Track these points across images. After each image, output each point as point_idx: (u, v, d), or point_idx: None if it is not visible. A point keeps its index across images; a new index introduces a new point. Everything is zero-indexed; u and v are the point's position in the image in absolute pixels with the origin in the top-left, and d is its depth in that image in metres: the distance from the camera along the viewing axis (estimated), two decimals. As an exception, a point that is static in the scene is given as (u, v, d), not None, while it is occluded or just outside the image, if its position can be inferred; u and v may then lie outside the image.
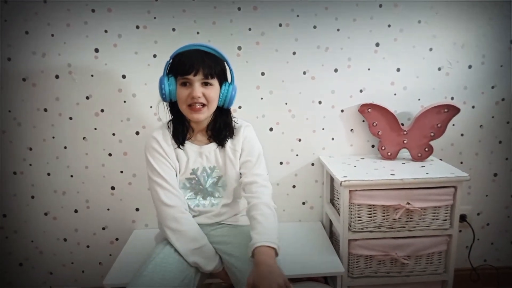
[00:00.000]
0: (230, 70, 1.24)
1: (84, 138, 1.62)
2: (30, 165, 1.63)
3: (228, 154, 1.28)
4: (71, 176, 1.65)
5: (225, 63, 1.23)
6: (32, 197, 1.66)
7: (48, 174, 1.64)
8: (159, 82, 1.19)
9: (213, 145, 1.29)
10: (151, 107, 1.59)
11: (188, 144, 1.28)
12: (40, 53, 1.53)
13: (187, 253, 1.19)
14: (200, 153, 1.28)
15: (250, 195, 1.24)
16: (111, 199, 1.68)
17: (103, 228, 1.72)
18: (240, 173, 1.30)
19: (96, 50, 1.54)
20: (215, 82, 1.19)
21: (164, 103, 1.25)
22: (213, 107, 1.21)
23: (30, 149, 1.61)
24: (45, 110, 1.58)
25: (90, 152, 1.63)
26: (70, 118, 1.60)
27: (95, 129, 1.61)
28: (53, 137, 1.61)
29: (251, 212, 1.20)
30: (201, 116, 1.20)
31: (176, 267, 1.16)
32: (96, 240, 1.72)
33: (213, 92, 1.19)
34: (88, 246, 1.73)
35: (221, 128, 1.27)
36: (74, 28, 1.51)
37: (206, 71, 1.16)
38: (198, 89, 1.16)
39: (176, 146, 1.25)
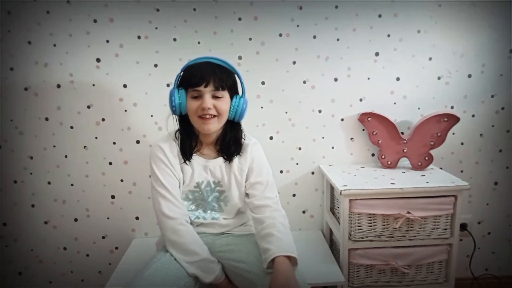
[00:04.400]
0: (242, 83, 1.24)
1: (84, 147, 1.62)
2: (31, 173, 1.63)
3: (235, 172, 1.27)
4: (72, 184, 1.65)
5: (236, 76, 1.23)
6: (33, 205, 1.66)
7: (49, 182, 1.64)
8: (169, 95, 1.18)
9: (219, 160, 1.27)
10: (151, 116, 1.60)
11: (194, 157, 1.26)
12: (42, 62, 1.54)
13: (186, 265, 1.18)
14: (205, 167, 1.27)
15: (261, 216, 1.22)
16: (111, 208, 1.68)
17: (103, 237, 1.71)
18: (247, 194, 1.29)
19: (98, 60, 1.55)
20: (225, 94, 1.18)
21: (174, 116, 1.25)
22: (223, 119, 1.20)
23: (31, 157, 1.62)
24: (46, 119, 1.59)
25: (90, 161, 1.64)
26: (71, 127, 1.60)
27: (96, 138, 1.62)
28: (54, 146, 1.62)
29: (265, 231, 1.18)
30: (211, 127, 1.18)
31: (176, 273, 1.15)
32: (96, 249, 1.72)
33: (224, 104, 1.18)
34: (87, 255, 1.73)
35: (230, 143, 1.25)
36: (76, 38, 1.53)
37: (217, 83, 1.15)
38: (209, 101, 1.15)
39: (182, 160, 1.24)
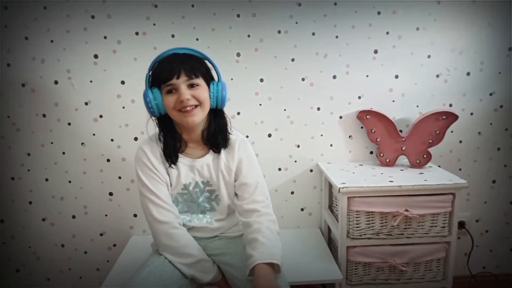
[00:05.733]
0: (215, 68, 1.19)
1: (82, 143, 1.62)
2: (28, 170, 1.63)
3: (222, 170, 1.22)
4: (69, 181, 1.65)
5: (208, 61, 1.18)
6: (30, 202, 1.66)
7: (46, 179, 1.64)
8: (143, 97, 1.12)
9: (206, 158, 1.22)
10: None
11: (179, 158, 1.21)
12: (40, 58, 1.53)
13: (183, 268, 1.16)
14: (192, 167, 1.22)
15: (249, 220, 1.18)
16: (109, 205, 1.68)
17: (101, 234, 1.71)
18: (236, 194, 1.25)
19: (95, 56, 1.55)
20: (201, 81, 1.12)
21: (153, 118, 1.19)
22: (206, 107, 1.15)
23: (29, 154, 1.61)
24: (44, 115, 1.58)
25: (88, 158, 1.63)
26: (69, 124, 1.60)
27: (94, 134, 1.61)
28: (52, 143, 1.61)
29: (250, 236, 1.14)
30: (195, 118, 1.12)
31: (170, 276, 1.14)
32: (94, 246, 1.72)
33: (202, 92, 1.12)
34: (85, 252, 1.72)
35: (216, 132, 1.20)
36: (74, 34, 1.52)
37: (189, 71, 1.09)
38: (185, 92, 1.09)
39: (167, 164, 1.19)
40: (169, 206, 1.20)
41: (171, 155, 1.19)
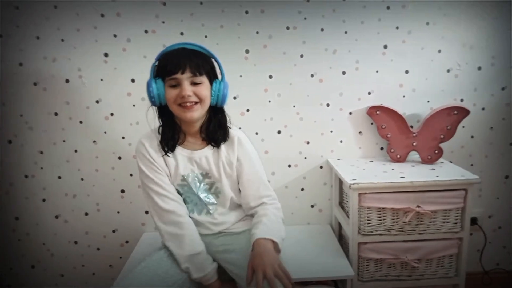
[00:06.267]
0: (220, 67, 1.21)
1: (94, 141, 1.63)
2: (41, 168, 1.65)
3: (223, 163, 1.24)
4: (82, 179, 1.66)
5: (214, 60, 1.19)
6: (43, 200, 1.68)
7: (59, 177, 1.66)
8: (146, 86, 1.15)
9: (205, 150, 1.24)
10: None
11: (178, 149, 1.23)
12: (51, 57, 1.55)
13: (182, 259, 1.17)
14: (190, 159, 1.23)
15: (256, 209, 1.24)
16: (121, 202, 1.69)
17: (113, 231, 1.73)
18: (240, 190, 1.28)
19: (106, 55, 1.56)
20: (204, 79, 1.14)
21: (154, 107, 1.21)
22: (206, 105, 1.16)
23: (41, 152, 1.63)
24: (56, 114, 1.60)
25: (100, 156, 1.65)
26: (81, 122, 1.61)
27: (105, 132, 1.63)
28: (64, 141, 1.63)
29: (256, 220, 1.20)
30: (194, 114, 1.14)
31: (166, 271, 1.15)
32: (107, 242, 1.74)
33: (204, 90, 1.14)
34: (98, 249, 1.74)
35: (215, 129, 1.21)
36: (84, 32, 1.53)
37: (194, 68, 1.11)
38: (188, 88, 1.11)
39: (163, 153, 1.21)
40: (173, 195, 1.22)
41: (168, 143, 1.20)
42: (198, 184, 1.26)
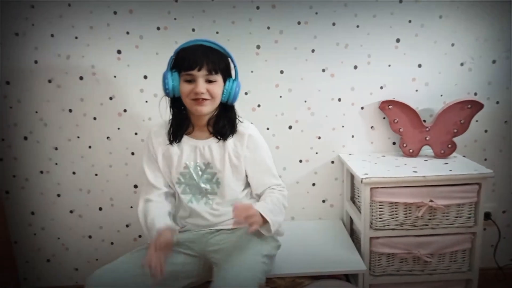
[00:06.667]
0: (235, 66, 1.24)
1: (108, 137, 1.65)
2: (56, 164, 1.67)
3: (230, 154, 1.26)
4: (96, 174, 1.69)
5: (229, 59, 1.23)
6: (58, 195, 1.71)
7: (74, 173, 1.69)
8: (162, 77, 1.19)
9: (210, 141, 1.27)
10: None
11: (185, 138, 1.27)
12: (65, 55, 1.57)
13: (144, 225, 1.28)
14: (195, 148, 1.27)
15: (263, 192, 1.30)
16: (134, 197, 1.71)
17: (127, 226, 1.75)
18: (248, 180, 1.32)
19: (119, 52, 1.57)
20: (219, 78, 1.18)
21: (166, 98, 1.26)
22: (216, 102, 1.21)
23: (56, 148, 1.66)
24: (70, 110, 1.63)
25: (113, 151, 1.67)
26: (94, 118, 1.64)
27: (118, 128, 1.65)
28: (78, 137, 1.65)
29: (261, 199, 1.26)
30: (204, 109, 1.19)
31: (132, 269, 1.15)
32: (120, 237, 1.76)
33: (217, 88, 1.19)
34: (112, 243, 1.77)
35: (224, 124, 1.25)
36: (97, 30, 1.55)
37: (210, 66, 1.15)
38: (202, 85, 1.16)
39: (168, 142, 1.26)
40: (160, 189, 1.31)
41: (175, 132, 1.26)
42: (200, 172, 1.29)
